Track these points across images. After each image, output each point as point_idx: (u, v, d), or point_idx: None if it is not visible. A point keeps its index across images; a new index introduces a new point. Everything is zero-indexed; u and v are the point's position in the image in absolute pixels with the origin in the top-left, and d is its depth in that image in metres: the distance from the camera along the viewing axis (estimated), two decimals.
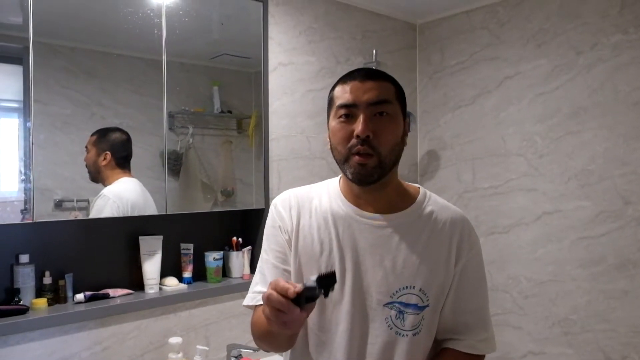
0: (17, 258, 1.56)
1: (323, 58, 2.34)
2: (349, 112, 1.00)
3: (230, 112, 2.06)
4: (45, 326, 1.54)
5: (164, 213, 1.83)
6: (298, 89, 2.25)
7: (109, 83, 1.73)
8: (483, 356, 1.11)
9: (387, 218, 1.04)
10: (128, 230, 1.85)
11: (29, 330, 1.51)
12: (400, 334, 1.02)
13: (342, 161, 1.01)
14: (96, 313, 1.64)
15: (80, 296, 1.65)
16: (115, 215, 1.72)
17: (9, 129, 1.56)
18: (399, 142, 1.02)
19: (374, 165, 0.99)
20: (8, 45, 1.55)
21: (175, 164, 1.90)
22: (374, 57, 2.45)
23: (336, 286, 1.01)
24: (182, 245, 1.97)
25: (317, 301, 1.02)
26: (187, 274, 1.94)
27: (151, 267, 1.82)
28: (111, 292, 1.74)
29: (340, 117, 1.01)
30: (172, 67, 1.84)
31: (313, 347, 1.06)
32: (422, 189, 1.12)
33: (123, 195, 1.75)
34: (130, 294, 1.79)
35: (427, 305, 1.03)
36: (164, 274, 1.88)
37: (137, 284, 1.84)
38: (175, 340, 1.75)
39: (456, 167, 2.63)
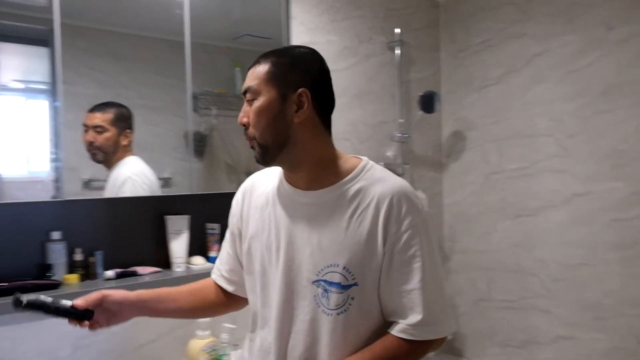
0: (48, 235, 1.60)
1: (345, 37, 2.30)
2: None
3: None
4: None
5: (189, 193, 1.86)
6: None
7: (132, 64, 1.74)
8: (430, 342, 1.01)
9: (313, 195, 1.05)
10: (154, 210, 1.86)
11: None
12: (325, 313, 1.02)
13: None
14: (127, 290, 1.67)
15: (110, 273, 1.68)
16: (148, 194, 1.76)
17: (37, 110, 1.59)
18: (272, 122, 1.01)
19: (257, 148, 1.04)
20: (33, 27, 1.56)
21: (200, 145, 1.91)
22: (396, 36, 2.41)
23: (272, 262, 1.08)
24: (208, 225, 1.98)
25: (259, 279, 1.10)
26: (213, 253, 1.96)
27: (178, 245, 1.84)
28: (140, 269, 1.76)
29: None
30: (194, 48, 1.84)
31: (260, 322, 1.13)
32: (362, 163, 1.07)
33: (147, 174, 1.77)
34: (158, 271, 1.80)
35: (355, 284, 1.00)
36: (190, 253, 1.90)
37: (164, 262, 1.85)
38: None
39: (482, 148, 2.58)
